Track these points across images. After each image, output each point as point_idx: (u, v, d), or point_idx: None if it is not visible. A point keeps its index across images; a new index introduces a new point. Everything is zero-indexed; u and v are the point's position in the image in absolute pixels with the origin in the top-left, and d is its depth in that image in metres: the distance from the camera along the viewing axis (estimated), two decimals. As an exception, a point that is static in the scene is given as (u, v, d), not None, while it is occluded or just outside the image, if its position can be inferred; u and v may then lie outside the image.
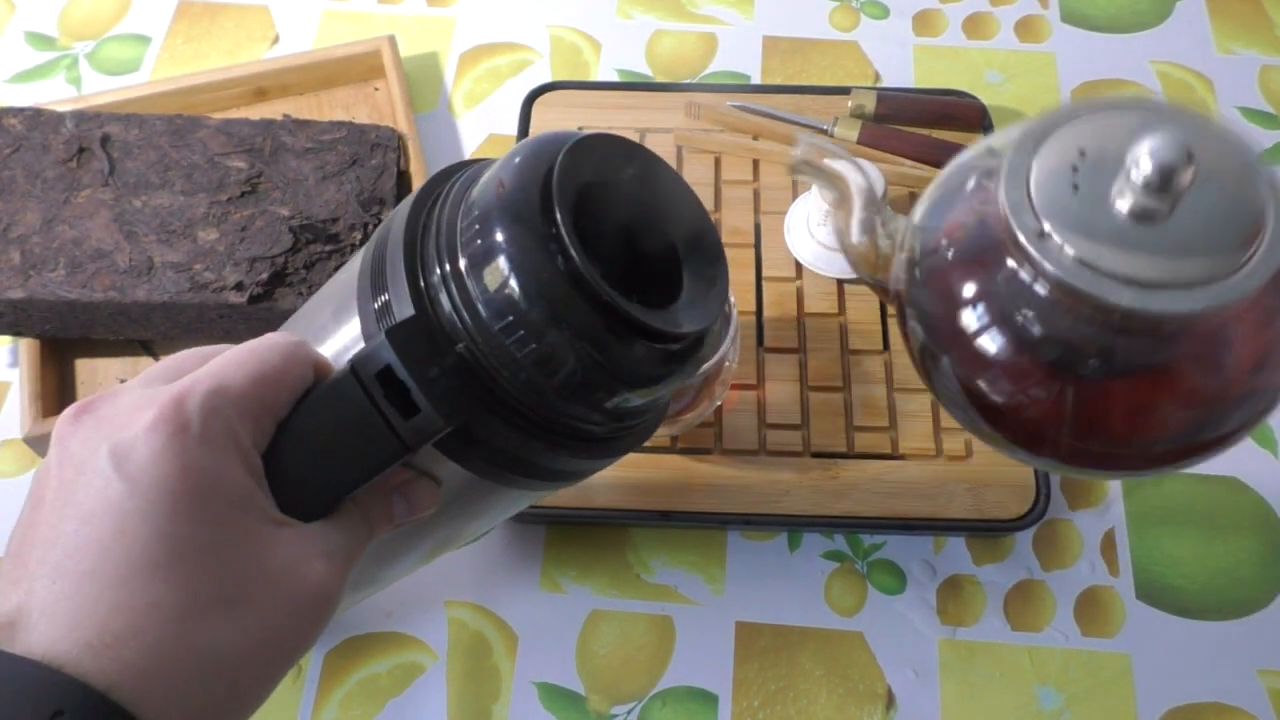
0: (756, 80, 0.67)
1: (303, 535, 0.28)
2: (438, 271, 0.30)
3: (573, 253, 0.28)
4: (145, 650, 0.25)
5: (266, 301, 0.52)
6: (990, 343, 0.31)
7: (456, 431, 0.29)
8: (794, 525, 0.51)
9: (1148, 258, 0.28)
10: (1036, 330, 0.30)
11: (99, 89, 0.66)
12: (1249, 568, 0.51)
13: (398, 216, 0.32)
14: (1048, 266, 0.28)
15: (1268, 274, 0.27)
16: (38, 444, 0.52)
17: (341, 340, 0.32)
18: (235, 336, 0.55)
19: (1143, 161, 0.27)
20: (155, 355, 0.56)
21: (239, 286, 0.52)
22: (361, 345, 0.31)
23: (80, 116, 0.57)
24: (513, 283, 0.28)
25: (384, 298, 0.30)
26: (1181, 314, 0.27)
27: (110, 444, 0.26)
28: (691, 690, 0.48)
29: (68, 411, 0.28)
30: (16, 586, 0.26)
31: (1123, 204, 0.28)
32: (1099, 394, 0.31)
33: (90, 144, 0.56)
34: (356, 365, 0.28)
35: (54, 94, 0.66)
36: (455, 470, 0.31)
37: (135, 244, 0.53)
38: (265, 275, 0.53)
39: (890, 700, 0.48)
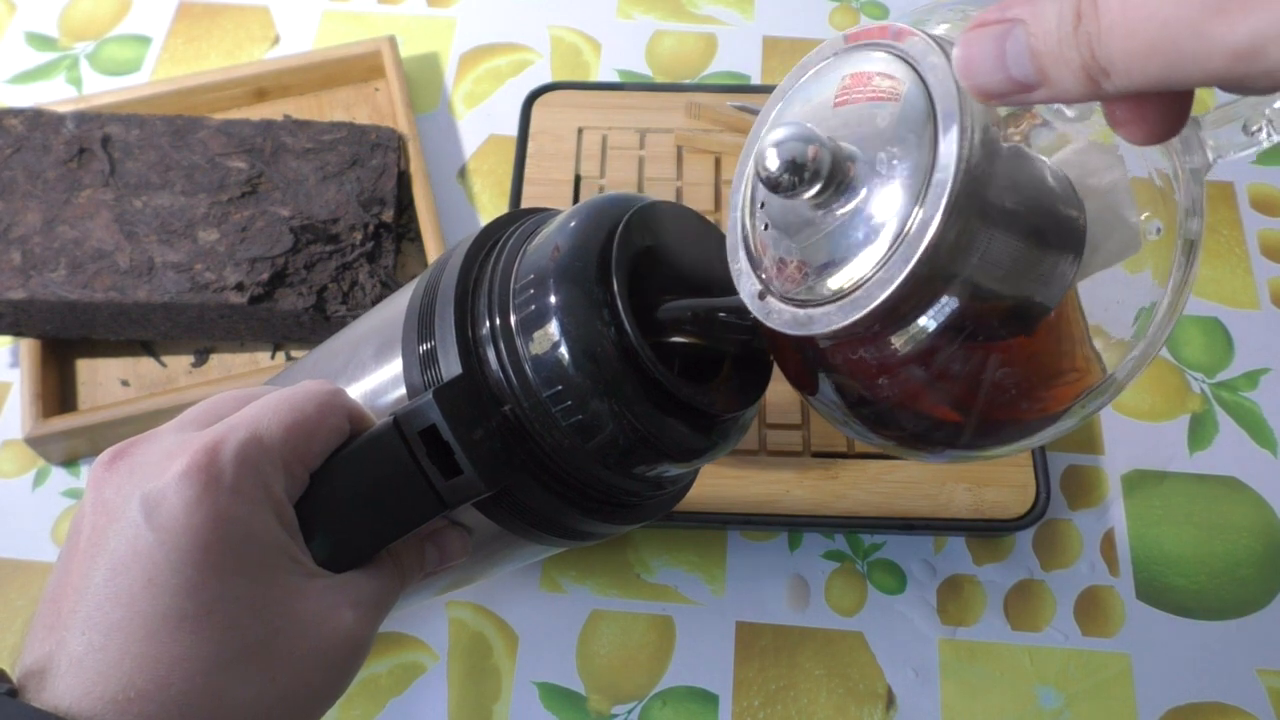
0: (756, 80, 0.67)
1: (333, 585, 0.28)
2: (487, 327, 0.30)
3: (626, 325, 0.28)
4: (171, 704, 0.24)
5: (267, 302, 0.53)
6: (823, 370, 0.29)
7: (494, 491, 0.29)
8: (794, 525, 0.51)
9: (833, 271, 0.25)
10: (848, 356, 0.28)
11: (99, 89, 0.66)
12: (1249, 568, 0.51)
13: (450, 264, 0.32)
14: (775, 328, 0.26)
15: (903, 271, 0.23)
16: (38, 444, 0.52)
17: (380, 379, 0.32)
18: (236, 337, 0.55)
19: (768, 171, 0.24)
20: (156, 355, 0.56)
21: (239, 287, 0.52)
22: (402, 389, 0.31)
23: (81, 117, 0.57)
24: (563, 350, 0.28)
25: (429, 344, 0.30)
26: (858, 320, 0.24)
27: (142, 492, 0.26)
28: (692, 690, 0.48)
29: (103, 456, 0.28)
30: (50, 633, 0.26)
31: (799, 219, 0.26)
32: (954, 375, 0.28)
33: (91, 144, 0.56)
34: (401, 421, 0.28)
35: (54, 94, 0.66)
36: (485, 521, 0.31)
37: (136, 244, 0.53)
38: (266, 275, 0.53)
39: (890, 700, 0.48)
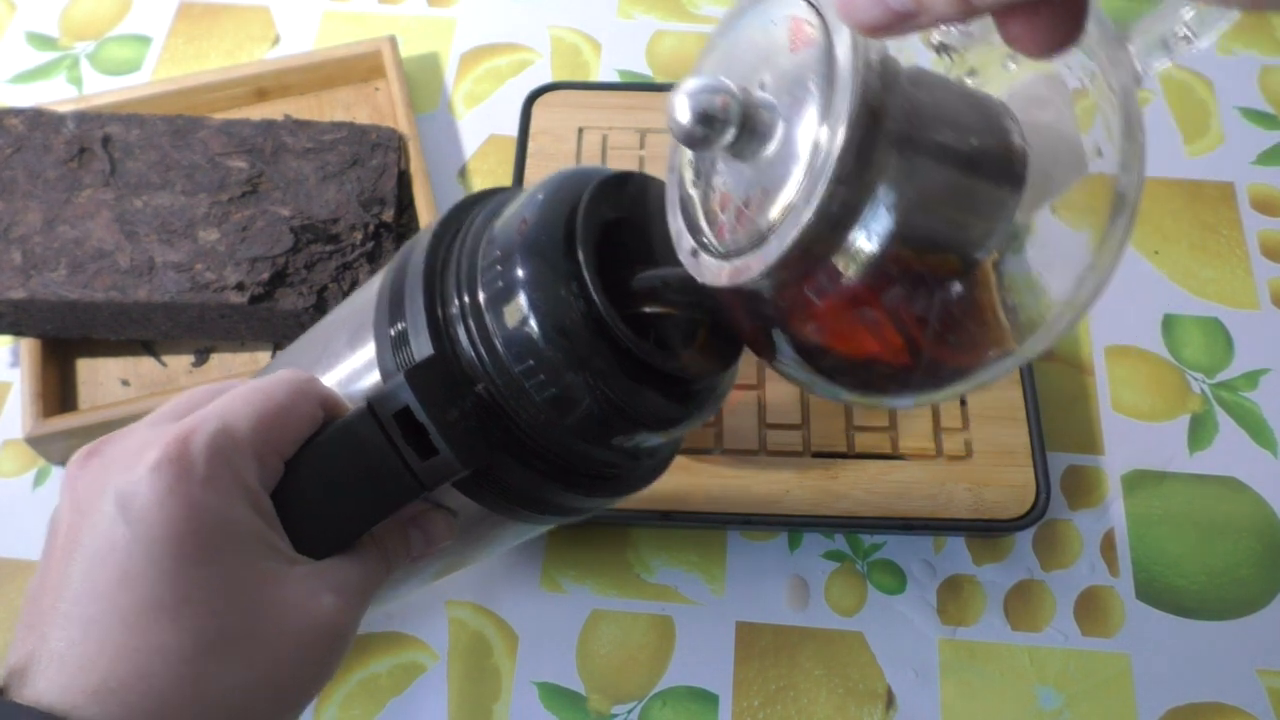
0: (757, 80, 0.67)
1: (313, 572, 0.28)
2: (456, 305, 0.29)
3: (594, 296, 0.28)
4: (151, 694, 0.25)
5: (267, 301, 0.53)
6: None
7: (473, 471, 0.29)
8: (794, 525, 0.51)
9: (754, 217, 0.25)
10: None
11: (100, 89, 0.66)
12: (1249, 568, 0.51)
13: (418, 245, 0.31)
14: (708, 282, 0.26)
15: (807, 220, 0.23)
16: (38, 444, 0.52)
17: (354, 364, 0.32)
18: (236, 336, 0.55)
19: (680, 124, 0.24)
20: (156, 355, 0.56)
21: (240, 286, 0.52)
22: (375, 372, 0.31)
23: (81, 117, 0.57)
24: (533, 324, 0.28)
25: (401, 326, 0.30)
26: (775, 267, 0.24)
27: (115, 487, 0.26)
28: (692, 690, 0.48)
29: (78, 454, 0.28)
30: (31, 632, 0.26)
31: (723, 171, 0.26)
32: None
33: (91, 144, 0.56)
34: (374, 404, 0.28)
35: (55, 94, 0.67)
36: (468, 502, 0.31)
37: (136, 244, 0.53)
38: (266, 275, 0.53)
39: (890, 700, 0.48)
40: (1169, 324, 0.58)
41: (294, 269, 0.54)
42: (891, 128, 0.23)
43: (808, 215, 0.23)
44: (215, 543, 0.26)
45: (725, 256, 0.26)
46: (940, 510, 0.49)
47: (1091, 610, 0.50)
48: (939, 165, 0.24)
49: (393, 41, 0.65)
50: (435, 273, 0.30)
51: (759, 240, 0.25)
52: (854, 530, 0.51)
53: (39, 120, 0.57)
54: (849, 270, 0.25)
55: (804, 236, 0.24)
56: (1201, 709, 0.48)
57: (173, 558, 0.25)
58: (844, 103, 0.23)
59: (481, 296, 0.29)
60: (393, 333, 0.30)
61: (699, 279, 0.27)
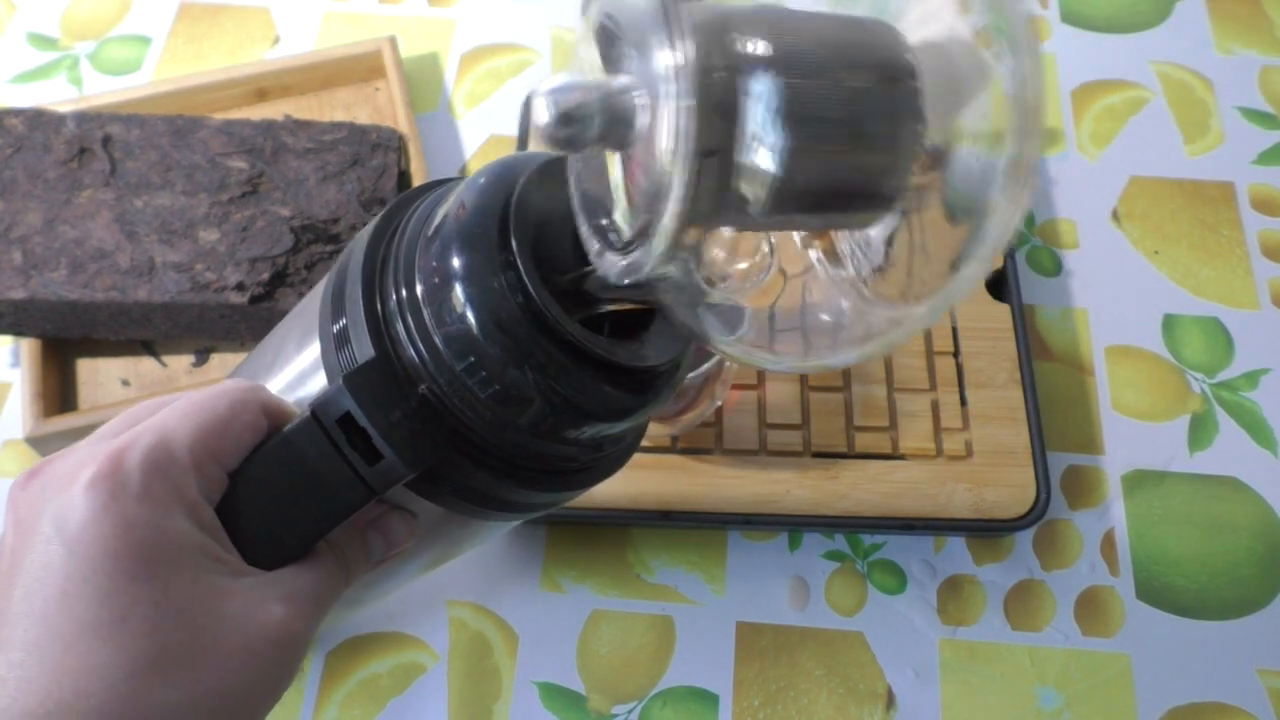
0: (757, 80, 0.67)
1: (262, 582, 0.28)
2: (395, 300, 0.28)
3: (530, 288, 0.27)
4: (91, 713, 0.24)
5: (267, 302, 0.53)
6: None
7: (424, 472, 0.28)
8: (794, 525, 0.51)
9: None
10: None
11: (100, 89, 0.66)
12: (1249, 568, 0.51)
13: (361, 237, 0.31)
14: (611, 279, 0.26)
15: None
16: (39, 444, 0.52)
17: (301, 366, 0.31)
18: (236, 337, 0.55)
19: (545, 131, 0.23)
20: (156, 355, 0.56)
21: (240, 287, 0.52)
22: (321, 373, 0.30)
23: (81, 117, 0.57)
24: (470, 318, 0.27)
25: (342, 322, 0.29)
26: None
27: (52, 507, 0.26)
28: (692, 690, 0.48)
29: (20, 476, 0.28)
30: None
31: (603, 168, 0.25)
32: None
33: (91, 144, 0.56)
34: (318, 410, 0.27)
35: (55, 94, 0.67)
36: (427, 503, 0.30)
37: (136, 244, 0.53)
38: (266, 275, 0.53)
39: (890, 700, 0.48)
40: (1169, 324, 0.58)
41: (294, 269, 0.54)
42: (745, 84, 0.22)
43: (675, 203, 0.22)
44: (153, 558, 0.26)
45: (623, 252, 0.25)
46: (940, 510, 0.49)
47: (1091, 610, 0.50)
48: (817, 108, 0.23)
49: (393, 41, 0.65)
50: (376, 266, 0.29)
51: (644, 233, 0.24)
52: (854, 530, 0.51)
53: (39, 120, 0.57)
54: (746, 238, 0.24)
55: (679, 224, 0.22)
56: (1201, 709, 0.48)
57: (109, 575, 0.25)
58: (684, 79, 0.21)
59: (419, 290, 0.28)
60: (335, 329, 0.29)
61: (609, 279, 0.26)
